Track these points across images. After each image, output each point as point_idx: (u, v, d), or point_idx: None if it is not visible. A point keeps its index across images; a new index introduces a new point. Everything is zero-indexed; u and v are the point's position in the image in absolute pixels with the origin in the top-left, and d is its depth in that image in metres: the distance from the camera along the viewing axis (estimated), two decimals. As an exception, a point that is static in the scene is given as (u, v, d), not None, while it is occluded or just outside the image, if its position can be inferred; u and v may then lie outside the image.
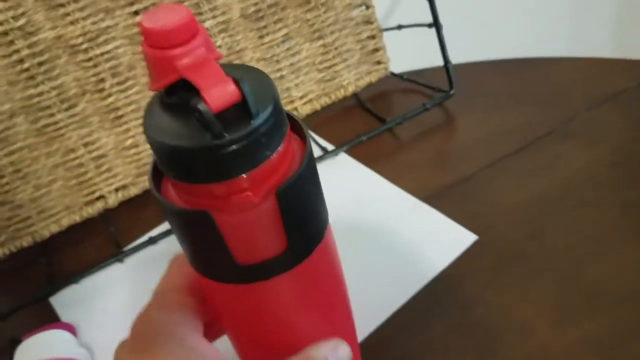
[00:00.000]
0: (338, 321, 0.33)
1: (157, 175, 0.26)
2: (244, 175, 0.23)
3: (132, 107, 0.51)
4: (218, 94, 0.21)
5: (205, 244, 0.25)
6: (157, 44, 0.22)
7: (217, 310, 0.31)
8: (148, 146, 0.52)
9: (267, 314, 0.29)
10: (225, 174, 0.23)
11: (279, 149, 0.24)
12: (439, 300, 0.41)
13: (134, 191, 0.53)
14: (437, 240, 0.45)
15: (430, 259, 0.43)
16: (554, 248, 0.42)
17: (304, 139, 0.26)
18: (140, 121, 0.51)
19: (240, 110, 0.22)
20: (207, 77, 0.22)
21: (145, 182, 0.53)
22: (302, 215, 0.26)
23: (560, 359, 0.36)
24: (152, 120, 0.24)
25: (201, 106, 0.21)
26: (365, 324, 0.40)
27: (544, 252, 0.42)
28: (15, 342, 0.43)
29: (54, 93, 0.48)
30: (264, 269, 0.26)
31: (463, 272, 0.42)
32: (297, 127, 0.27)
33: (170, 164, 0.23)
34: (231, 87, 0.22)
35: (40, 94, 0.47)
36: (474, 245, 0.44)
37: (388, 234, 0.45)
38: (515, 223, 0.45)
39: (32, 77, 0.47)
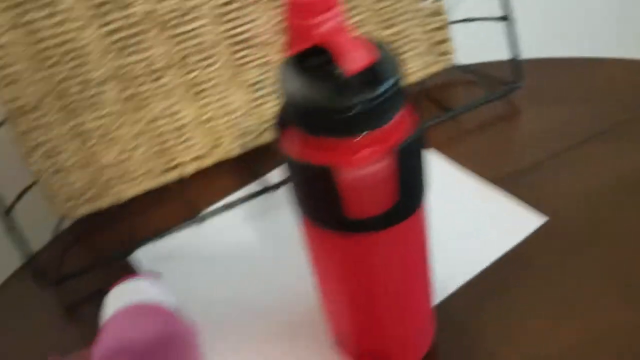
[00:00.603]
0: (424, 282, 0.35)
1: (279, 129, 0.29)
2: (369, 134, 0.25)
3: (213, 82, 0.53)
4: (355, 57, 0.24)
5: (323, 197, 0.28)
6: (301, 14, 0.24)
7: (321, 262, 0.33)
8: (223, 120, 0.55)
9: (369, 265, 0.31)
10: (355, 131, 0.25)
11: (399, 112, 0.26)
12: (509, 275, 0.43)
13: (207, 162, 0.56)
14: (506, 220, 0.46)
15: (500, 237, 0.45)
16: (623, 234, 0.44)
17: (411, 110, 0.28)
18: (220, 96, 0.54)
19: (371, 75, 0.25)
20: (346, 43, 0.24)
21: (218, 155, 0.56)
22: (412, 175, 0.28)
23: (629, 333, 0.38)
24: (288, 80, 0.26)
25: (341, 68, 0.23)
26: (437, 292, 0.42)
27: (612, 238, 0.44)
28: (103, 290, 0.46)
29: (143, 64, 0.50)
30: (373, 223, 0.28)
31: (532, 252, 0.44)
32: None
33: (306, 120, 0.26)
34: (367, 53, 0.24)
35: (130, 64, 0.50)
36: (543, 227, 0.45)
37: (458, 213, 0.47)
38: (584, 209, 0.46)
39: (123, 48, 0.50)
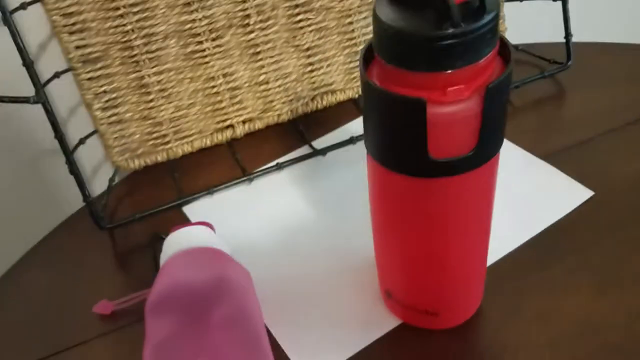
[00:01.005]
0: (483, 240, 0.36)
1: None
2: (464, 68, 0.26)
3: (269, 45, 0.54)
4: (462, -13, 0.24)
5: (406, 134, 0.28)
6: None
7: (386, 209, 0.34)
8: (276, 84, 0.56)
9: (438, 213, 0.32)
10: (451, 64, 0.26)
11: (492, 51, 0.27)
12: (554, 244, 0.43)
13: (258, 125, 0.57)
14: (555, 192, 0.47)
15: (548, 208, 0.46)
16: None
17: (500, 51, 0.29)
18: (275, 59, 0.55)
19: (471, 9, 0.25)
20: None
21: (268, 118, 0.57)
22: (496, 119, 0.29)
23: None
24: (384, 10, 0.27)
25: (448, -4, 0.24)
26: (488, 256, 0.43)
27: (660, 214, 0.44)
28: (157, 237, 0.47)
29: (205, 22, 0.51)
30: (451, 166, 0.29)
31: (580, 224, 0.45)
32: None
33: (400, 50, 0.26)
34: (474, -17, 0.25)
35: (193, 21, 0.51)
36: (591, 201, 0.46)
37: (509, 184, 0.48)
38: (629, 187, 0.47)
39: (188, 4, 0.51)
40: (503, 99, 0.28)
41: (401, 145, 0.29)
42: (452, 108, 0.27)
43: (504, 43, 0.29)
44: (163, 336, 0.34)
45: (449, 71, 0.26)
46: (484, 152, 0.29)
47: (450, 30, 0.25)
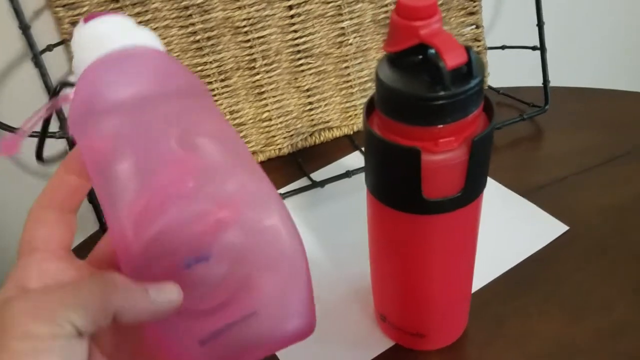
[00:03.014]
0: (469, 269, 0.40)
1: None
2: (453, 123, 0.31)
3: (273, 86, 0.59)
4: (454, 55, 0.29)
5: (402, 178, 0.33)
6: (409, 16, 0.30)
7: (383, 241, 0.38)
8: (278, 121, 0.60)
9: (429, 245, 0.36)
10: (442, 120, 0.30)
11: (478, 108, 0.32)
12: (533, 275, 0.48)
13: (261, 158, 0.61)
14: (533, 227, 0.52)
15: (526, 241, 0.50)
16: (634, 244, 0.49)
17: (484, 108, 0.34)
18: (277, 99, 0.60)
19: (459, 73, 0.30)
20: (445, 42, 0.29)
21: (270, 152, 0.61)
22: (481, 164, 0.33)
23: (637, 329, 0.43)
24: (385, 73, 0.31)
25: (441, 64, 0.29)
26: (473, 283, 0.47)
27: (627, 246, 0.49)
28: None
29: (215, 65, 0.56)
30: (441, 205, 0.33)
31: (555, 256, 0.49)
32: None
33: (399, 107, 0.31)
34: (464, 52, 0.29)
35: (205, 63, 0.56)
36: (565, 235, 0.51)
37: (490, 219, 0.52)
38: (601, 221, 0.52)
39: (200, 49, 0.55)
40: (487, 148, 0.33)
41: (398, 186, 0.34)
42: (443, 156, 0.31)
43: (488, 101, 0.33)
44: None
45: (441, 126, 0.30)
46: (470, 193, 0.34)
47: (442, 93, 0.29)
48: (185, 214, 0.25)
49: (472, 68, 0.30)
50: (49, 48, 0.50)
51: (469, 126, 0.32)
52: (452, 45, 0.29)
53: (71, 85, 0.28)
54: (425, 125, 0.31)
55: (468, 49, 0.30)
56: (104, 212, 0.26)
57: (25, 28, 0.47)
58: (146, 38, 0.28)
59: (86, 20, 0.28)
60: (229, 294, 0.26)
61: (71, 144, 0.49)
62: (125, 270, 0.26)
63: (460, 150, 0.32)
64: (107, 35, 0.28)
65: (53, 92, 0.29)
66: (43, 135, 0.32)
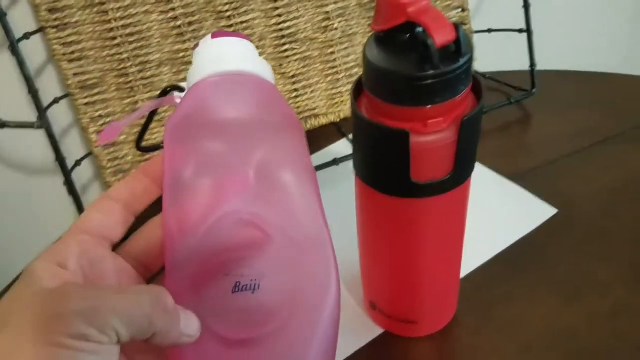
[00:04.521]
0: (458, 254, 0.40)
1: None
2: (442, 103, 0.30)
3: (257, 72, 0.58)
4: (443, 33, 0.28)
5: (391, 160, 0.32)
6: (396, -6, 0.29)
7: (372, 226, 0.37)
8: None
9: (419, 229, 0.35)
10: (431, 100, 0.30)
11: (467, 88, 0.31)
12: (523, 259, 0.47)
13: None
14: (522, 210, 0.51)
15: (515, 225, 0.50)
16: (627, 225, 0.49)
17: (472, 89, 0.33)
18: (262, 85, 0.58)
19: (449, 52, 0.29)
20: (434, 20, 0.28)
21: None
22: (470, 146, 0.33)
23: (634, 311, 0.43)
24: (374, 53, 0.30)
25: (429, 41, 0.28)
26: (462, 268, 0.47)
27: (618, 228, 0.49)
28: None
29: (197, 51, 0.55)
30: (430, 188, 0.33)
31: (545, 239, 0.49)
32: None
33: (387, 87, 0.30)
34: (452, 30, 0.28)
35: (186, 50, 0.54)
36: (555, 218, 0.50)
37: (480, 203, 0.52)
38: (591, 204, 0.51)
39: (181, 34, 0.54)
40: (476, 129, 0.32)
41: (386, 169, 0.33)
42: (432, 138, 0.31)
43: (476, 81, 0.33)
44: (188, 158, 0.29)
45: (429, 106, 0.30)
46: (459, 176, 0.33)
47: (431, 72, 0.28)
48: (240, 239, 0.28)
49: (460, 46, 0.29)
50: (26, 36, 0.49)
51: (458, 106, 0.31)
52: (440, 23, 0.28)
53: (180, 89, 0.32)
54: (414, 105, 0.30)
55: (457, 26, 0.29)
56: (163, 217, 0.29)
57: (1, 15, 0.46)
58: (260, 67, 0.31)
59: (214, 36, 0.31)
60: (263, 332, 0.27)
61: (51, 135, 0.47)
62: (171, 284, 0.27)
63: (450, 131, 0.31)
64: (228, 56, 0.30)
65: (163, 91, 0.32)
66: (146, 126, 0.35)
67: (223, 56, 0.30)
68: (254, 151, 0.29)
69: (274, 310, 0.27)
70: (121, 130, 0.33)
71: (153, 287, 0.26)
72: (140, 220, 0.31)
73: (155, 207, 0.30)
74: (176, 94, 0.32)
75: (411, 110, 0.30)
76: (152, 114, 0.34)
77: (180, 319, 0.25)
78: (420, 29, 0.29)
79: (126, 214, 0.29)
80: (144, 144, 0.36)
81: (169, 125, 0.30)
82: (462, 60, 0.29)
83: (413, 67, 0.29)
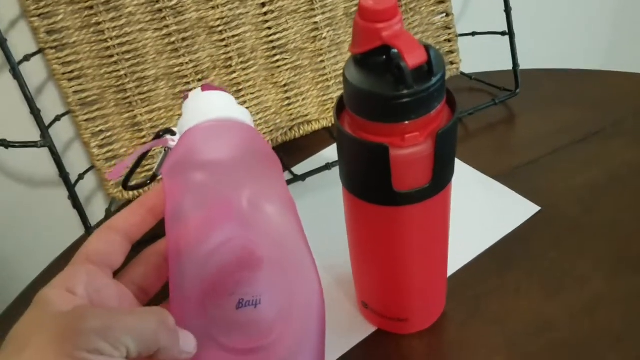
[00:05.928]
0: (443, 254, 0.42)
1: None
2: (418, 119, 0.32)
3: (250, 83, 0.60)
4: (415, 55, 0.30)
5: (374, 171, 0.34)
6: (371, 19, 0.31)
7: (360, 232, 0.40)
8: (257, 117, 0.62)
9: (403, 234, 0.38)
10: (407, 116, 0.32)
11: (441, 103, 0.33)
12: (508, 256, 0.50)
13: (241, 154, 0.62)
14: (506, 208, 0.54)
15: (500, 223, 0.52)
16: (606, 221, 0.51)
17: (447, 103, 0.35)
18: (255, 95, 0.61)
19: (421, 71, 0.31)
20: (406, 44, 0.31)
21: (250, 148, 0.62)
22: (446, 156, 0.35)
23: (614, 303, 0.45)
24: (352, 74, 0.33)
25: (403, 64, 0.30)
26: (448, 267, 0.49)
27: (597, 223, 0.51)
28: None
29: (191, 65, 0.57)
30: (411, 196, 0.35)
31: (529, 236, 0.51)
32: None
33: (366, 106, 0.32)
34: (424, 52, 0.31)
35: (181, 64, 0.57)
36: (538, 216, 0.53)
37: (464, 202, 0.54)
38: (573, 200, 0.54)
39: (176, 50, 0.56)
40: (451, 140, 0.35)
41: (370, 180, 0.35)
42: (410, 151, 0.33)
43: (450, 95, 0.35)
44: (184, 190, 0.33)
45: (406, 122, 0.32)
46: (438, 184, 0.35)
47: (405, 91, 0.31)
48: (238, 262, 0.31)
49: (432, 66, 0.31)
50: (26, 58, 0.51)
51: (433, 121, 0.33)
52: (412, 46, 0.31)
53: (172, 133, 0.36)
54: (391, 122, 0.32)
55: (428, 48, 0.32)
56: (167, 245, 0.32)
57: (1, 41, 0.48)
58: (241, 114, 0.36)
59: (203, 89, 0.36)
60: (265, 341, 0.31)
61: (54, 153, 0.50)
62: (177, 304, 0.31)
63: (426, 144, 0.33)
64: (214, 106, 0.35)
65: (157, 135, 0.36)
66: (134, 169, 0.41)
67: (209, 105, 0.35)
68: (242, 185, 0.33)
69: (273, 322, 0.31)
70: (127, 166, 0.39)
71: (157, 308, 0.29)
72: (136, 246, 0.34)
73: (150, 236, 0.34)
74: (169, 136, 0.36)
75: (389, 127, 0.33)
76: (142, 157, 0.39)
77: (179, 338, 0.28)
78: (395, 51, 0.32)
79: (125, 243, 0.33)
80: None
81: (167, 164, 0.34)
82: (434, 80, 0.31)
83: (389, 87, 0.31)
